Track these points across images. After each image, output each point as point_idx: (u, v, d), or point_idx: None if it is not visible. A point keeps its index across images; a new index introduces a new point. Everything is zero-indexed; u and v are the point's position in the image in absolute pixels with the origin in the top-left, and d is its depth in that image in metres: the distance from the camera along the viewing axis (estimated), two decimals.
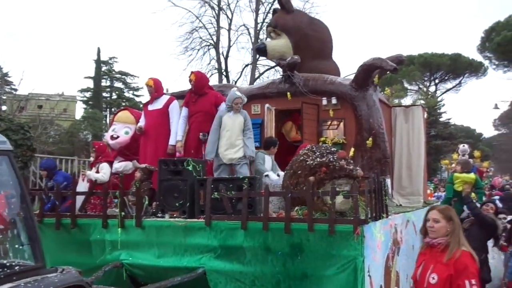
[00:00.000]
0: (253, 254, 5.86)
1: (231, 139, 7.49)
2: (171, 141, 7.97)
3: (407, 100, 59.88)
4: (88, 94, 54.21)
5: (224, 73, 33.11)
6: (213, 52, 33.26)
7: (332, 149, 6.47)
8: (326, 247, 5.52)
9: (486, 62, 57.95)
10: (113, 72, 55.29)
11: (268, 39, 11.45)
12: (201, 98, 8.02)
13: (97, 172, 7.66)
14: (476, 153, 25.09)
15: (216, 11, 33.05)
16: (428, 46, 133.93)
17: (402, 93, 58.77)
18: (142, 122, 8.30)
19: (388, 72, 9.48)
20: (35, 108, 43.42)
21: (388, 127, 10.80)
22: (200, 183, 6.31)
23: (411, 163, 10.90)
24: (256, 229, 5.80)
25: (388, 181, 9.20)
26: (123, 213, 6.50)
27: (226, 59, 33.36)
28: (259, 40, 30.19)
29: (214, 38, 33.11)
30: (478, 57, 58.26)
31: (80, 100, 55.51)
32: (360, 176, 6.23)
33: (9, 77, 46.33)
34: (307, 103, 9.63)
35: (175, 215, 6.45)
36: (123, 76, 55.17)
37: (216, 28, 33.09)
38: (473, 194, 10.31)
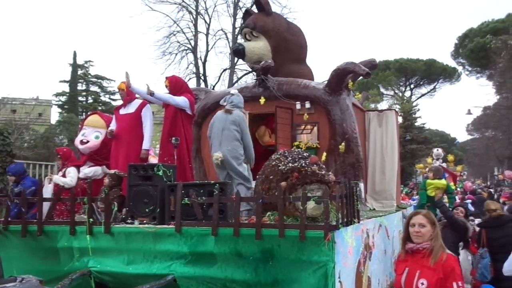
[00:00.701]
0: (224, 260, 5.78)
1: None
2: (144, 146, 7.84)
3: (383, 105, 60.38)
4: (63, 98, 53.53)
5: (202, 77, 33.27)
6: (191, 56, 33.56)
7: (305, 154, 6.43)
8: (297, 252, 5.46)
9: (459, 68, 58.97)
10: (89, 76, 54.72)
11: (243, 41, 11.24)
12: None
13: (64, 176, 7.51)
14: (450, 157, 25.37)
15: (194, 16, 33.40)
16: (403, 51, 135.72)
17: (378, 98, 59.27)
18: (113, 126, 8.15)
19: (361, 77, 9.48)
20: (9, 112, 43.03)
21: (362, 131, 10.82)
22: (171, 188, 6.21)
23: (385, 167, 10.93)
24: (227, 235, 5.72)
25: (361, 185, 9.21)
26: (91, 220, 6.35)
27: (204, 63, 33.60)
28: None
29: (192, 42, 33.37)
30: (452, 63, 59.19)
31: (56, 104, 54.83)
32: (332, 181, 6.20)
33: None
34: (281, 107, 9.60)
35: (145, 222, 6.33)
36: (99, 80, 54.61)
37: (194, 33, 33.39)
38: (445, 199, 10.47)
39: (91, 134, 8.29)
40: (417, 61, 61.17)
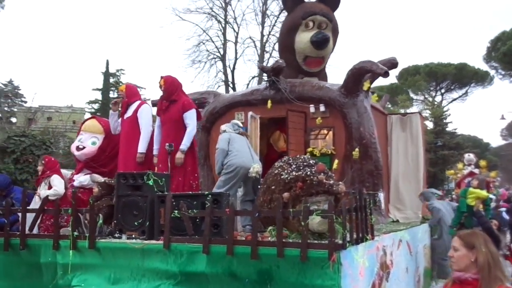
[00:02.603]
0: (217, 281, 5.12)
1: None
2: (140, 149, 7.23)
3: (413, 110, 59.16)
4: (96, 106, 53.81)
5: (231, 85, 33.53)
6: (220, 64, 33.83)
7: (311, 162, 5.73)
8: (298, 275, 4.76)
9: (492, 72, 57.28)
10: (121, 84, 54.93)
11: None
12: (172, 105, 7.27)
13: (49, 188, 6.94)
14: (482, 163, 24.23)
15: (223, 25, 33.74)
16: (433, 55, 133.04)
17: (407, 103, 57.98)
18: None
19: (380, 77, 8.72)
20: (45, 120, 43.91)
21: (383, 136, 10.09)
22: (161, 199, 5.57)
23: (409, 175, 10.20)
24: (220, 253, 5.05)
25: (381, 195, 8.45)
26: (75, 233, 5.75)
27: (232, 71, 33.85)
28: (265, 53, 30.39)
29: (221, 51, 33.72)
30: (484, 67, 57.57)
31: (89, 112, 55.09)
32: (341, 192, 5.49)
33: (19, 89, 46.48)
34: (293, 111, 8.92)
35: (133, 236, 5.71)
36: None
37: (222, 41, 33.75)
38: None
39: (88, 139, 7.71)
40: (448, 65, 59.68)
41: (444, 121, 53.80)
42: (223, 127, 7.35)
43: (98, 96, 53.49)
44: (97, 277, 5.69)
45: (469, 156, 22.52)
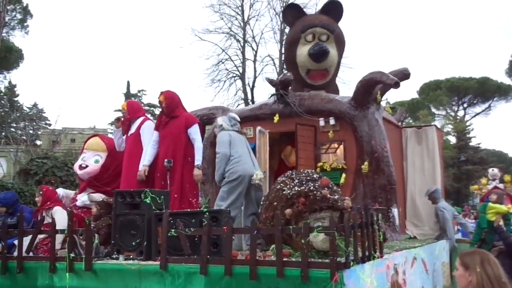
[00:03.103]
0: None
1: None
2: (140, 166, 7.03)
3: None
4: None
5: (251, 102, 33.47)
6: (239, 83, 34.05)
7: (314, 176, 5.46)
8: None
9: None
10: (142, 105, 55.38)
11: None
12: (172, 120, 7.07)
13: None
14: (507, 178, 23.59)
15: (242, 44, 33.99)
16: (455, 70, 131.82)
17: (429, 119, 57.32)
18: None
19: (390, 88, 8.41)
20: (68, 142, 44.62)
21: (398, 150, 9.78)
22: (158, 218, 5.34)
23: (426, 189, 9.81)
24: (219, 274, 4.78)
25: (395, 210, 8.10)
26: (72, 255, 5.54)
27: (252, 89, 34.07)
28: (284, 70, 30.36)
29: (240, 69, 33.99)
30: (507, 80, 56.73)
31: (111, 133, 55.52)
32: (347, 208, 5.20)
33: (43, 112, 47.21)
34: (303, 125, 8.66)
35: (131, 256, 5.47)
36: (151, 108, 55.14)
37: (241, 60, 33.98)
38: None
39: (91, 158, 7.54)
40: (470, 80, 58.96)
41: (467, 135, 53.15)
42: (219, 120, 6.96)
43: None
44: None
45: (493, 171, 21.96)
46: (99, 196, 6.71)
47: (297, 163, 8.49)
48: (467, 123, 56.41)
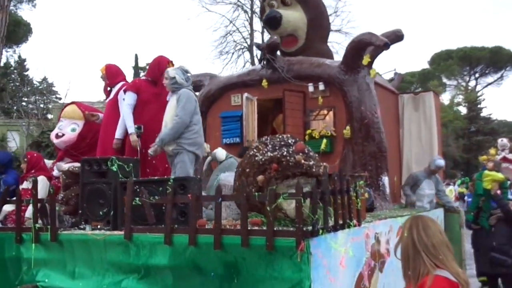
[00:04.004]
0: (181, 276, 4.60)
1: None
2: (117, 134, 6.73)
3: (445, 96, 57.74)
4: None
5: None
6: (247, 55, 33.63)
7: (289, 141, 5.13)
8: (266, 267, 4.20)
9: None
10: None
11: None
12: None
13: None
14: None
15: (249, 15, 33.57)
16: (467, 39, 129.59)
17: (440, 89, 56.52)
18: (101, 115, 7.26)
19: (382, 50, 8.01)
20: None
21: (394, 118, 9.44)
22: (123, 186, 5.07)
23: (423, 158, 9.50)
24: (183, 244, 4.53)
25: (385, 179, 7.79)
26: (38, 225, 5.31)
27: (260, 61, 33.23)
28: None
29: (248, 41, 33.56)
30: None
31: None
32: (322, 174, 4.89)
33: (53, 86, 47.22)
34: (291, 91, 8.31)
35: (99, 226, 5.24)
36: None
37: (249, 31, 33.60)
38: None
39: (67, 126, 7.25)
40: (482, 49, 57.93)
41: (478, 106, 52.45)
42: (171, 72, 6.11)
43: None
44: (60, 272, 5.25)
45: (503, 141, 21.54)
46: (67, 165, 6.45)
47: (284, 131, 8.17)
48: (479, 94, 55.61)
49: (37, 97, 38.79)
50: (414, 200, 8.39)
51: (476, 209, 8.49)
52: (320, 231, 4.20)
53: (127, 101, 6.72)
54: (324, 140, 6.97)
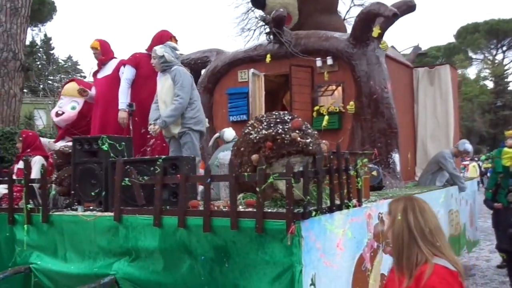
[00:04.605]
0: (171, 259, 4.42)
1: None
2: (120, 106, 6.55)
3: (471, 70, 56.64)
4: None
5: None
6: None
7: (286, 118, 4.87)
8: (257, 250, 3.99)
9: None
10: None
11: None
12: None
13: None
14: None
15: None
16: (494, 11, 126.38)
17: (465, 63, 55.38)
18: (92, 92, 6.99)
19: (393, 22, 7.63)
20: None
21: (409, 93, 9.11)
22: (114, 166, 4.89)
23: (438, 134, 9.17)
24: (173, 227, 4.35)
25: (396, 156, 7.49)
26: (30, 206, 5.18)
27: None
28: None
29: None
30: None
31: None
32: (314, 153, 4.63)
33: (78, 65, 47.59)
34: (298, 66, 8.01)
35: (91, 207, 5.09)
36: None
37: None
38: None
39: (67, 104, 7.11)
40: (510, 21, 56.39)
41: (506, 80, 51.29)
42: (159, 51, 5.86)
43: None
44: (53, 254, 5.11)
45: None
46: (58, 145, 6.28)
47: (291, 108, 7.91)
48: (506, 67, 54.36)
49: (62, 76, 38.93)
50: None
51: (494, 187, 8.30)
52: (314, 212, 3.97)
53: (125, 76, 6.57)
54: (326, 117, 6.74)
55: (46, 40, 44.69)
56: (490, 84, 52.29)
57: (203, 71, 9.23)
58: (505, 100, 48.62)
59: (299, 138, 4.59)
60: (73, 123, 7.04)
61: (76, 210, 5.13)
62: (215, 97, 8.96)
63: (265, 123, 4.83)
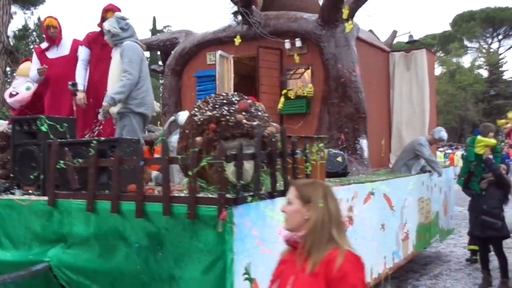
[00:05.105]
0: (106, 246, 4.19)
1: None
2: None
3: (466, 59, 56.35)
4: None
5: None
6: None
7: (233, 99, 4.62)
8: (191, 238, 3.76)
9: None
10: None
11: None
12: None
13: None
14: None
15: None
16: (491, 0, 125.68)
17: (460, 52, 55.08)
18: (34, 69, 6.61)
19: (364, 2, 7.35)
20: None
21: (384, 77, 8.86)
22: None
23: (414, 121, 8.94)
24: (107, 212, 4.12)
25: (364, 142, 7.25)
26: None
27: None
28: None
29: None
30: None
31: None
32: (268, 136, 4.38)
33: None
34: (266, 48, 7.74)
35: (30, 191, 4.85)
36: None
37: None
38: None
39: (22, 85, 6.84)
40: (506, 10, 56.11)
41: (500, 69, 51.04)
42: (106, 25, 5.55)
43: (146, 54, 54.05)
44: None
45: None
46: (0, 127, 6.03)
47: (258, 91, 7.64)
48: (501, 56, 54.07)
49: None
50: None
51: (466, 174, 8.15)
52: (250, 198, 3.74)
53: (80, 57, 6.29)
54: (282, 99, 6.47)
55: (40, 24, 44.27)
56: (484, 73, 51.99)
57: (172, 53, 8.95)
58: (499, 89, 48.41)
59: (244, 120, 4.34)
60: (27, 104, 6.78)
61: (14, 194, 4.89)
62: (184, 80, 8.69)
63: (211, 105, 4.59)
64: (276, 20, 7.83)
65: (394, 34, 10.30)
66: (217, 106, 4.51)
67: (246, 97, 4.78)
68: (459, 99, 47.81)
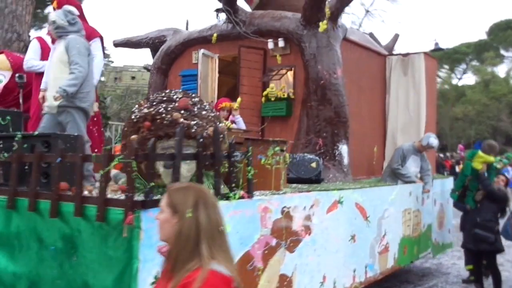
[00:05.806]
0: (26, 247, 3.97)
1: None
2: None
3: (502, 68, 54.99)
4: None
5: None
6: None
7: (174, 96, 4.36)
8: (100, 242, 3.51)
9: None
10: None
11: None
12: None
13: None
14: None
15: None
16: None
17: (496, 61, 53.78)
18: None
19: (350, 1, 7.02)
20: (129, 79, 46.24)
21: (380, 82, 8.49)
22: None
23: (409, 126, 8.56)
24: (26, 210, 3.90)
25: (344, 148, 6.89)
26: None
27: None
28: None
29: None
30: None
31: None
32: (209, 137, 4.11)
33: (106, 50, 48.08)
34: (250, 48, 7.46)
35: None
36: None
37: None
38: None
39: None
40: None
41: None
42: (51, 16, 5.19)
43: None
44: None
45: None
46: None
47: (238, 92, 7.35)
48: None
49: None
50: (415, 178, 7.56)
51: (461, 189, 7.86)
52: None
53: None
54: (239, 99, 6.17)
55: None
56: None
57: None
58: None
59: (181, 119, 4.08)
60: None
61: None
62: (170, 79, 8.47)
63: (149, 102, 4.36)
64: (261, 19, 7.54)
65: (396, 37, 9.88)
66: (154, 104, 4.27)
67: (194, 95, 4.55)
68: (493, 110, 46.58)
